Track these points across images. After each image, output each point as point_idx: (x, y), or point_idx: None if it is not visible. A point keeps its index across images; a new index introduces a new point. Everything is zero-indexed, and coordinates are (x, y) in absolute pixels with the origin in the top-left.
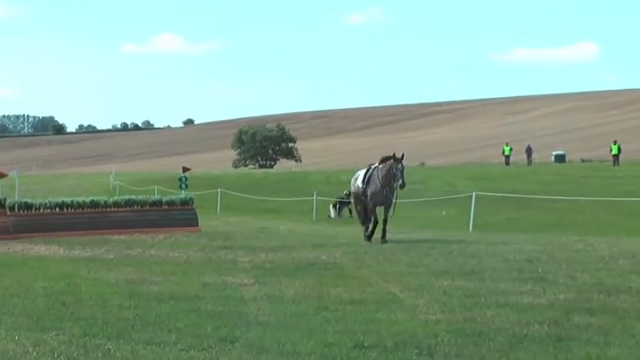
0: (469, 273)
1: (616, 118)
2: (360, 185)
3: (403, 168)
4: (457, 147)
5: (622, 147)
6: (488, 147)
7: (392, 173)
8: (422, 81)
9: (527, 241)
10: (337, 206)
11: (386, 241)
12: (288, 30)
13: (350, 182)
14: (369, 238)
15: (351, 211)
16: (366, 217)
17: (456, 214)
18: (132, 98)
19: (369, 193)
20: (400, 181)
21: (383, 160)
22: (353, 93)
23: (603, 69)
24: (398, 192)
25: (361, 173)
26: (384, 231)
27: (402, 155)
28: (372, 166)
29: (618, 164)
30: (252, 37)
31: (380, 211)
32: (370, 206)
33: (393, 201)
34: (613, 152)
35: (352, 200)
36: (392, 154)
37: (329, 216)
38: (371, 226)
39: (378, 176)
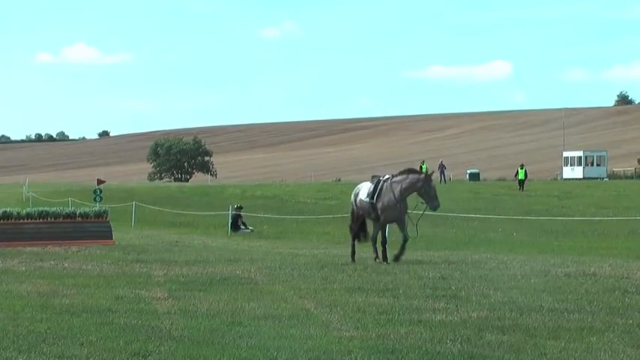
0: (383, 290)
1: (529, 137)
2: (366, 199)
3: (435, 186)
4: (373, 163)
5: (535, 166)
6: (404, 164)
7: (420, 191)
8: (339, 97)
9: (441, 258)
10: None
11: (397, 261)
12: (204, 43)
13: (351, 197)
14: (384, 258)
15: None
16: (361, 234)
17: (370, 230)
18: (46, 109)
19: (379, 207)
20: (436, 203)
21: (403, 173)
22: (271, 108)
23: (516, 87)
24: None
25: (364, 186)
26: (403, 249)
27: (432, 173)
28: (383, 178)
29: (523, 189)
30: (167, 50)
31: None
32: (381, 221)
33: (410, 213)
34: (519, 177)
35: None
36: (418, 169)
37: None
38: (380, 247)
39: (393, 189)
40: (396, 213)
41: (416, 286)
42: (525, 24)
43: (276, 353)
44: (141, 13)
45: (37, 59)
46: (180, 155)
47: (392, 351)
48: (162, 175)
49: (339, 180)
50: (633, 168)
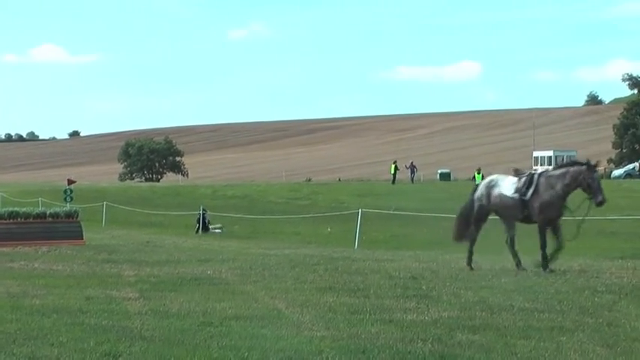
0: (354, 289)
1: (500, 137)
2: (514, 195)
3: (600, 179)
4: (343, 163)
5: (505, 166)
6: (374, 164)
7: (582, 184)
8: (309, 97)
9: (412, 258)
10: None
11: (550, 269)
12: (173, 43)
13: (479, 190)
14: (545, 266)
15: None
16: (473, 237)
17: (341, 230)
18: (16, 109)
19: (538, 204)
20: (599, 197)
21: (561, 166)
22: (242, 108)
23: (485, 87)
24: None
25: (505, 181)
26: (556, 255)
27: (597, 163)
28: (536, 172)
29: None
30: (137, 50)
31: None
32: (540, 221)
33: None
34: (477, 182)
35: (463, 215)
36: (584, 162)
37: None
38: (542, 251)
39: (553, 185)
40: (556, 212)
41: (387, 286)
42: (494, 25)
43: (247, 353)
44: (108, 13)
45: (4, 60)
46: (151, 155)
47: (363, 351)
48: (134, 175)
49: (310, 180)
50: (603, 168)
